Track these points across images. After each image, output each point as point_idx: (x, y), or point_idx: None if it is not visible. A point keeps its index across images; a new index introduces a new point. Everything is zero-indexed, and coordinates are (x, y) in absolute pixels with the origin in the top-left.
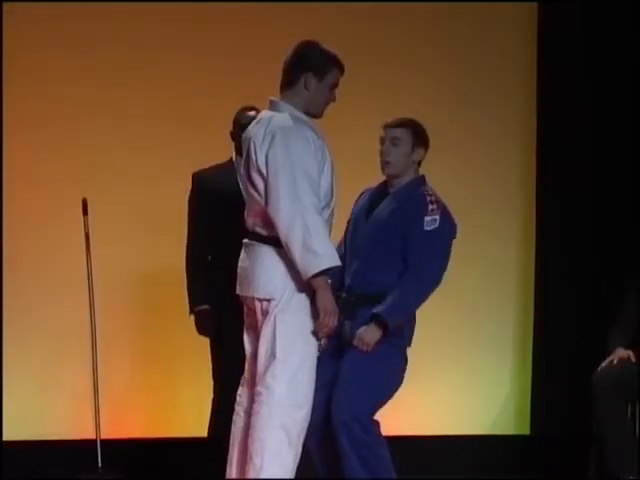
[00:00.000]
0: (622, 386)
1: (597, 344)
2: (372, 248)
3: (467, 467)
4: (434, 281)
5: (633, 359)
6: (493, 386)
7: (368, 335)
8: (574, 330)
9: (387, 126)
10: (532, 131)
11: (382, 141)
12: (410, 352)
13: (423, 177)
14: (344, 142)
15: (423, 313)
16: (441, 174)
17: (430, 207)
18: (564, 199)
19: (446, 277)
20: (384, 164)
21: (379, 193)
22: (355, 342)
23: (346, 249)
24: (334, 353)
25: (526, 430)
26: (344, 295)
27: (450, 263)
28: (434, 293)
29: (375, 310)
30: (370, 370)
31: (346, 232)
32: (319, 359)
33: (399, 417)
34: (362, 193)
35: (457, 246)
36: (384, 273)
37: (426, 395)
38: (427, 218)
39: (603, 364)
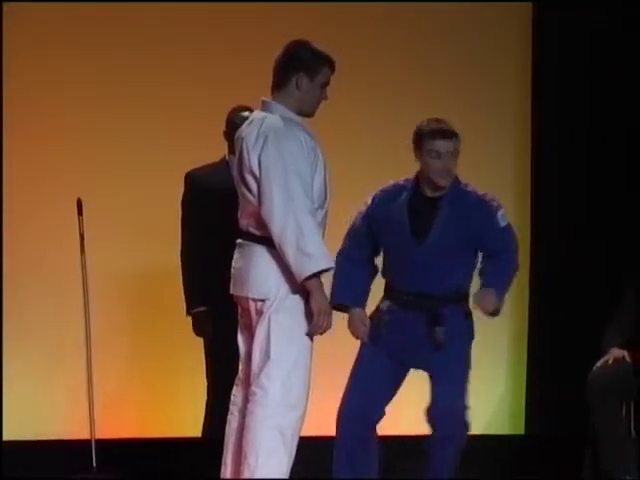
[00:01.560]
0: (617, 386)
1: (592, 344)
2: (443, 255)
3: (462, 467)
4: (518, 268)
5: (628, 359)
6: (488, 386)
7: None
8: (569, 330)
9: (446, 138)
10: (527, 129)
11: (438, 155)
12: None
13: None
14: (337, 142)
15: None
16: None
17: (494, 205)
18: (560, 198)
19: None
20: (445, 176)
21: (414, 197)
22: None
23: (388, 254)
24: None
25: (521, 430)
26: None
27: None
28: None
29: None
30: (461, 368)
31: (366, 233)
32: (376, 360)
33: (395, 417)
34: (376, 194)
35: None
36: (459, 275)
37: (422, 395)
38: (499, 215)
39: (598, 364)
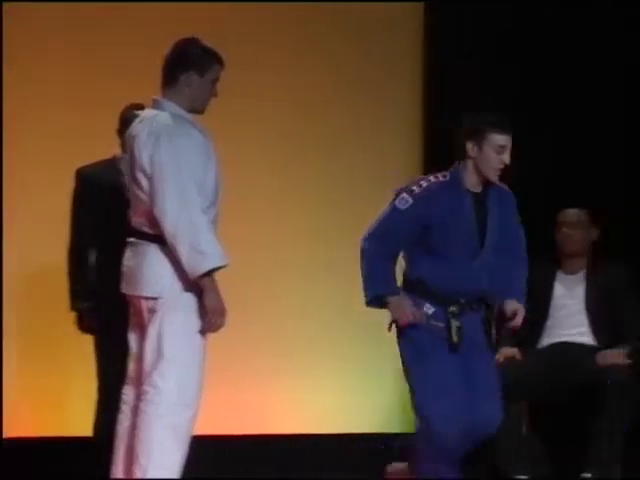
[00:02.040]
0: (509, 384)
1: None
2: (496, 255)
3: (354, 466)
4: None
5: (519, 357)
6: (378, 383)
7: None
8: None
9: (510, 132)
10: (418, 131)
11: (501, 149)
12: (302, 350)
13: None
14: (230, 137)
15: (315, 312)
16: (333, 173)
17: (513, 197)
18: None
19: (344, 278)
20: (499, 171)
21: (464, 197)
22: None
23: (440, 257)
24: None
25: (412, 429)
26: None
27: (349, 263)
28: (331, 292)
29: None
30: (496, 377)
31: (407, 233)
32: (444, 358)
33: (292, 416)
34: (418, 194)
35: (353, 245)
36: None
37: (316, 394)
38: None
39: None
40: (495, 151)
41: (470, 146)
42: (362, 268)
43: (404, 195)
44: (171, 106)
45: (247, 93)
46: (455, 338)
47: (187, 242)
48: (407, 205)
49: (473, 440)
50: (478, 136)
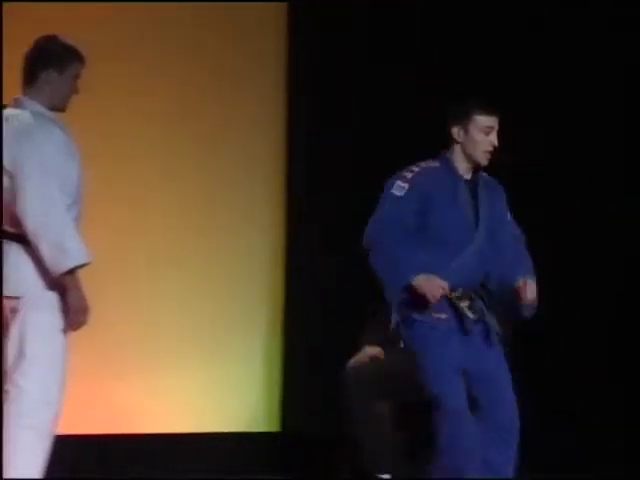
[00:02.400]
0: (372, 384)
1: (347, 342)
2: (488, 243)
3: (218, 466)
4: None
5: (382, 357)
6: (243, 382)
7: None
8: (324, 327)
9: (496, 114)
10: (281, 131)
11: (489, 130)
12: (166, 349)
13: None
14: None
15: (174, 311)
16: (187, 176)
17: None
18: (314, 201)
19: (198, 274)
20: (489, 154)
21: (458, 181)
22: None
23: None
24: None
25: (277, 428)
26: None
27: (201, 260)
28: (188, 291)
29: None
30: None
31: (413, 216)
32: (447, 344)
33: (152, 414)
34: (413, 177)
35: (210, 242)
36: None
37: (177, 393)
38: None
39: (352, 361)
40: (483, 132)
41: (456, 131)
42: (378, 262)
43: (398, 182)
44: (32, 104)
45: (122, 89)
46: (470, 314)
47: (50, 240)
48: (404, 191)
49: (498, 433)
50: (464, 119)
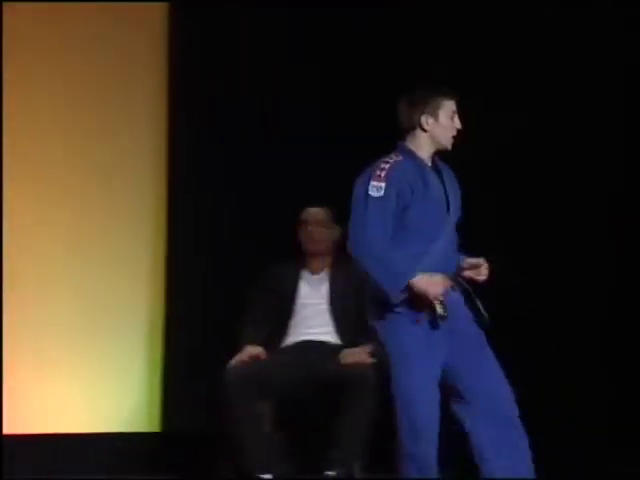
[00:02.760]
0: (253, 383)
1: (229, 341)
2: (457, 227)
3: (99, 466)
4: None
5: (264, 356)
6: (123, 381)
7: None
8: (205, 327)
9: (456, 99)
10: (163, 131)
11: (453, 114)
12: (39, 349)
13: None
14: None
15: (57, 311)
16: (60, 178)
17: None
18: (196, 201)
19: (80, 277)
20: (453, 137)
21: (424, 170)
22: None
23: (417, 235)
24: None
25: (158, 428)
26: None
27: (84, 265)
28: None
29: None
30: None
31: (391, 213)
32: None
33: (30, 414)
34: (389, 174)
35: (90, 248)
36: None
37: (57, 393)
38: None
39: (233, 361)
40: (449, 117)
41: (425, 119)
42: (373, 267)
43: (373, 183)
44: None
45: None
46: (440, 310)
47: None
48: (382, 191)
49: (498, 423)
50: (432, 106)
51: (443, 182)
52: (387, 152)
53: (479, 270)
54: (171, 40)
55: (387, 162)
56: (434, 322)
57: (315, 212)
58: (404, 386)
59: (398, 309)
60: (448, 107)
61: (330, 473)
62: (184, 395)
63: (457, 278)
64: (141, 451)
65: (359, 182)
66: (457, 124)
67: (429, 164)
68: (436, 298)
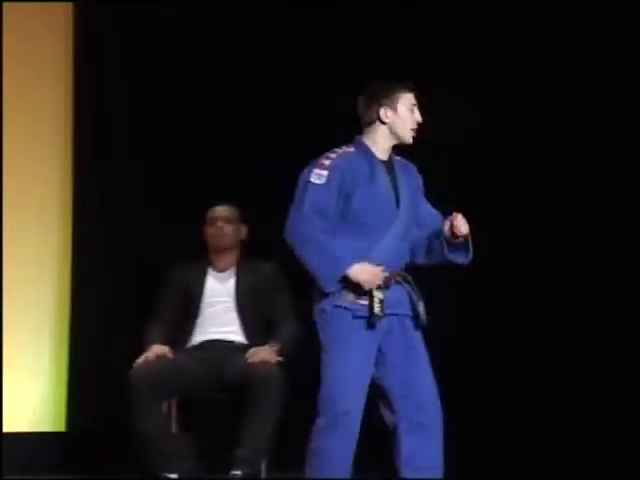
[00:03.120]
0: (159, 382)
1: (135, 340)
2: (410, 224)
3: (4, 466)
4: None
5: (170, 355)
6: (29, 381)
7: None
8: (111, 326)
9: (416, 92)
10: (69, 133)
11: (413, 107)
12: None
13: None
14: None
15: None
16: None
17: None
18: (100, 195)
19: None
20: (414, 131)
21: (376, 164)
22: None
23: (362, 229)
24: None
25: (62, 427)
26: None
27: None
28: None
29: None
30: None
31: (333, 205)
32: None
33: None
34: (335, 164)
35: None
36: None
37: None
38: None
39: (139, 360)
40: (409, 110)
41: (383, 112)
42: (308, 254)
43: (316, 170)
44: None
45: None
46: (377, 310)
47: None
48: (323, 179)
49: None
50: (390, 99)
51: (395, 178)
52: (297, 154)
53: (456, 225)
54: (76, 39)
55: (335, 152)
56: (371, 319)
57: (223, 209)
58: (332, 373)
59: (336, 301)
60: (407, 99)
61: (236, 472)
62: (89, 395)
63: (404, 276)
64: (46, 451)
65: (305, 170)
66: (417, 117)
67: (384, 159)
68: (373, 287)
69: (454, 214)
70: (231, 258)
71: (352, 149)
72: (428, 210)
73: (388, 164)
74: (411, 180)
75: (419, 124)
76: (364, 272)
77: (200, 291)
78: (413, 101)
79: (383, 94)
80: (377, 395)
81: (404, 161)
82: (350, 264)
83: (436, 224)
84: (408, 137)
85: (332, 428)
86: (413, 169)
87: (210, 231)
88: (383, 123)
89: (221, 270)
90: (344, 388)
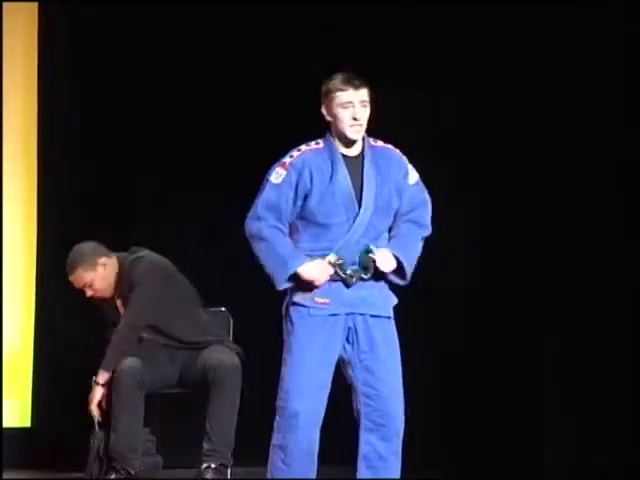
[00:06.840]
0: (132, 377)
1: (99, 339)
2: (376, 220)
3: None
4: (429, 228)
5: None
6: None
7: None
8: (76, 324)
9: (356, 88)
10: (33, 135)
11: (349, 105)
12: None
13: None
14: None
15: None
16: None
17: (404, 158)
18: (63, 201)
19: None
20: (358, 127)
21: (338, 160)
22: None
23: (319, 226)
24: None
25: (27, 423)
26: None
27: None
28: None
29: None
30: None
31: (289, 202)
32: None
33: None
34: (293, 162)
35: None
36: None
37: None
38: (410, 169)
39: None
40: (342, 108)
41: (325, 111)
42: (260, 251)
43: (277, 169)
44: None
45: None
46: (349, 272)
47: None
48: (281, 178)
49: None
50: (328, 97)
51: (362, 174)
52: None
53: (378, 266)
54: (40, 40)
55: (299, 150)
56: (332, 317)
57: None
58: (287, 373)
59: (294, 298)
60: (340, 97)
61: (204, 465)
62: (54, 391)
63: (369, 273)
64: (10, 447)
65: (272, 166)
66: (354, 114)
67: (353, 153)
68: (323, 282)
69: (377, 253)
70: None
71: (321, 145)
72: (413, 195)
73: (356, 159)
74: (391, 169)
75: (358, 120)
76: (310, 270)
77: None
78: (347, 99)
79: (322, 92)
80: (350, 389)
81: (386, 149)
82: (300, 263)
83: (404, 230)
84: (350, 134)
85: (284, 427)
86: (395, 155)
87: None
88: (328, 121)
89: None
90: (295, 389)
